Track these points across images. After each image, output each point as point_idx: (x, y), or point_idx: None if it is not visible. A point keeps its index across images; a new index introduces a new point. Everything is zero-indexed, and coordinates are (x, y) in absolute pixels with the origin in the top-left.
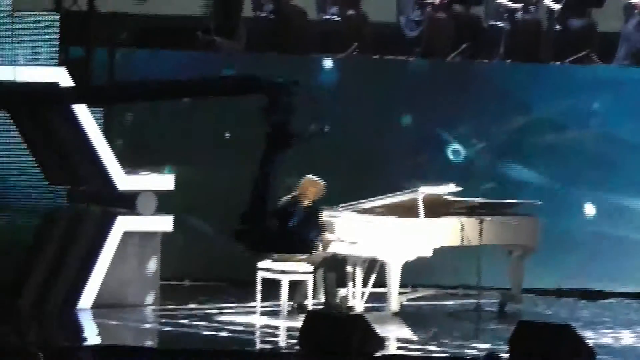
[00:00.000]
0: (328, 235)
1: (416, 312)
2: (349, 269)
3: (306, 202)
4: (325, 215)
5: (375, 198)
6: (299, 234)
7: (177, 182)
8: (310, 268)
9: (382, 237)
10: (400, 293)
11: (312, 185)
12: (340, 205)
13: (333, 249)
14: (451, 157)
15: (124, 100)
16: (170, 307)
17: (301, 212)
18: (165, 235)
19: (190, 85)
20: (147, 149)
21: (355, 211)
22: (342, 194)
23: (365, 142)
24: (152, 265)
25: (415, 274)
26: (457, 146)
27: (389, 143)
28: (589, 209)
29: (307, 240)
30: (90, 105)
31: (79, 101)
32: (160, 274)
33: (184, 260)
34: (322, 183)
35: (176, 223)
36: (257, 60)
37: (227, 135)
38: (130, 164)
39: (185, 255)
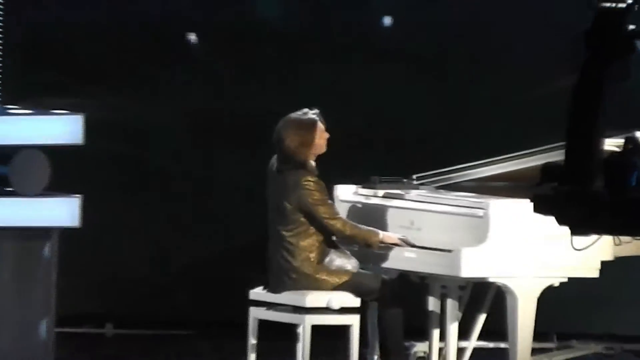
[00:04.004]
0: (389, 236)
1: None
2: (431, 303)
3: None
4: (385, 196)
5: (488, 160)
6: None
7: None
8: (356, 301)
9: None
10: (536, 351)
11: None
12: (415, 176)
13: (398, 263)
14: None
15: None
16: None
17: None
18: (67, 234)
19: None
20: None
21: (444, 187)
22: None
23: None
24: (43, 296)
25: (561, 313)
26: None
27: None
28: None
29: None
30: None
31: None
32: (58, 314)
33: (105, 288)
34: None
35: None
36: None
37: None
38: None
39: (108, 277)
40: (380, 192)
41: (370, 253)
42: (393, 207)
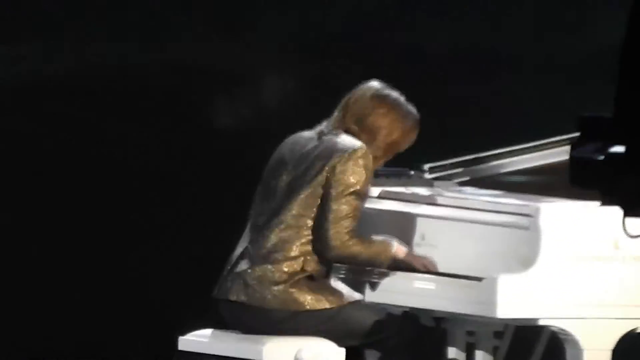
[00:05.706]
0: (405, 252)
1: None
2: (453, 356)
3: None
4: (381, 196)
5: (534, 144)
6: None
7: None
8: (339, 352)
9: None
10: None
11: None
12: (428, 166)
13: (402, 297)
14: None
15: None
16: None
17: None
18: None
19: None
20: None
21: (469, 183)
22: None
23: None
24: None
25: None
26: None
27: None
28: None
29: None
30: None
31: None
32: None
33: None
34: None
35: None
36: None
37: None
38: None
39: None
40: (376, 191)
41: (359, 282)
42: (394, 212)
